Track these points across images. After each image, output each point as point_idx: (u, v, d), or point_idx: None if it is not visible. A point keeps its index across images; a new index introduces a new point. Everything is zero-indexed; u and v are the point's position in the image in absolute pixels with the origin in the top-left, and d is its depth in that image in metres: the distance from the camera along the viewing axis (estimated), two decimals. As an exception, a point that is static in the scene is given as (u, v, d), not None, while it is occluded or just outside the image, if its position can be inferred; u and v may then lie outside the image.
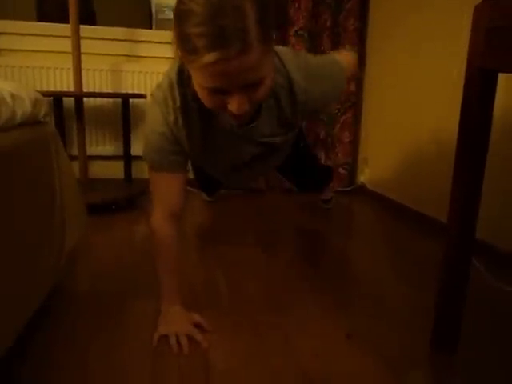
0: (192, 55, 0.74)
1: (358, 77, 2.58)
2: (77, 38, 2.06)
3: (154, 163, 1.02)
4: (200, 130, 1.00)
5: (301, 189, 2.08)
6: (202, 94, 0.82)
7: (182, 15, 0.75)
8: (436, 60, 1.91)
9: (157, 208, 1.06)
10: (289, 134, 1.12)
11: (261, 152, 1.12)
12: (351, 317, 1.13)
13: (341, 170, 2.66)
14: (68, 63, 2.22)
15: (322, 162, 2.66)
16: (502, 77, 0.87)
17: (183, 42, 0.75)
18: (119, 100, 2.36)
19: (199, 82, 0.80)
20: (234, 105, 0.79)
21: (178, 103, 0.96)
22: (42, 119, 1.11)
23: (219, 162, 1.19)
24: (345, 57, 1.25)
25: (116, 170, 2.49)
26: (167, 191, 1.05)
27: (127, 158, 2.39)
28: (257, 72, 0.77)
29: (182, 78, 0.94)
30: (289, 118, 1.05)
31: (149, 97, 2.18)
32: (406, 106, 2.16)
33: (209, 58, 0.71)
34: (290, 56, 1.00)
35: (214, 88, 0.78)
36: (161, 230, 1.05)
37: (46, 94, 1.62)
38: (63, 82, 2.36)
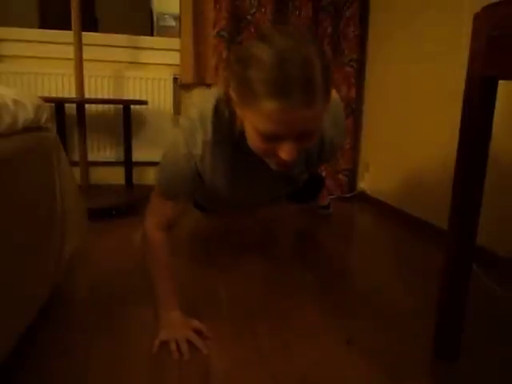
0: (251, 100, 0.75)
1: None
2: (79, 45, 2.07)
3: (166, 193, 1.04)
4: (229, 167, 0.99)
5: (292, 201, 2.00)
6: (252, 138, 0.82)
7: (246, 59, 0.76)
8: (436, 67, 1.92)
9: (151, 218, 1.08)
10: (311, 171, 1.16)
11: (283, 186, 1.14)
12: (351, 323, 1.13)
13: (341, 177, 2.66)
14: (70, 69, 2.23)
15: (322, 168, 2.66)
16: (501, 84, 0.88)
17: (243, 85, 0.76)
18: (120, 106, 2.38)
19: (254, 126, 0.79)
20: (285, 153, 0.79)
21: (210, 137, 0.95)
22: (44, 125, 1.11)
23: (236, 196, 1.18)
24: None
25: (117, 176, 2.50)
26: (167, 212, 1.07)
27: (128, 164, 2.39)
28: (315, 124, 0.78)
29: (219, 111, 0.93)
30: (314, 162, 1.10)
31: (151, 106, 2.17)
32: (407, 112, 2.17)
33: (270, 105, 0.72)
34: None
35: (268, 134, 0.78)
36: (152, 236, 1.07)
37: (47, 100, 1.63)
38: (65, 89, 2.37)
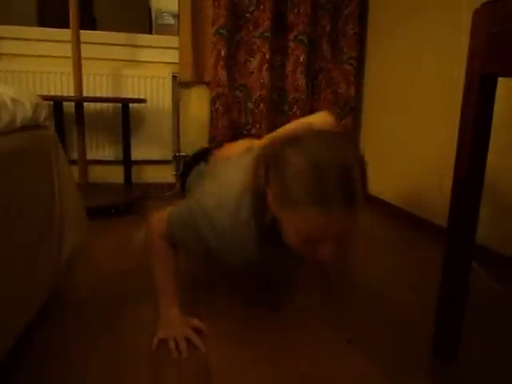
0: (291, 205, 0.75)
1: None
2: (77, 43, 2.06)
3: (174, 239, 1.02)
4: (248, 248, 0.96)
5: None
6: (290, 236, 0.82)
7: (283, 166, 0.76)
8: (436, 64, 1.92)
9: (158, 223, 1.05)
10: None
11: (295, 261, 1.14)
12: (351, 322, 1.13)
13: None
14: (68, 68, 2.22)
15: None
16: (501, 81, 0.88)
17: (281, 190, 0.77)
18: (119, 105, 2.37)
19: (292, 228, 0.79)
20: (324, 254, 0.80)
21: (234, 217, 0.92)
22: (43, 123, 1.11)
23: (246, 269, 1.17)
24: (323, 119, 1.18)
25: (116, 175, 2.50)
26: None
27: (127, 163, 2.39)
28: (354, 226, 0.79)
29: (245, 199, 0.91)
30: None
31: (150, 104, 2.15)
32: (406, 110, 2.17)
33: (313, 213, 0.73)
34: None
35: (308, 238, 0.78)
36: (159, 237, 1.05)
37: (46, 99, 1.62)
38: (63, 87, 2.37)
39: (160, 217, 1.05)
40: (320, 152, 0.74)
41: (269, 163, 0.82)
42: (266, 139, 1.22)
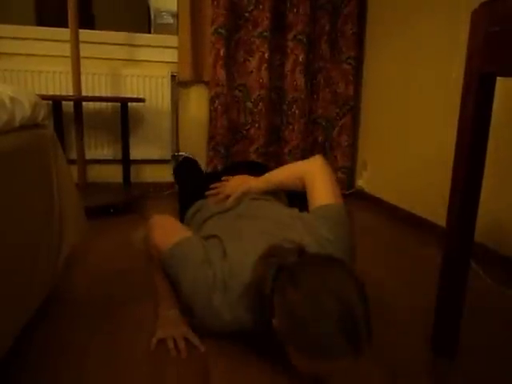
0: (296, 349, 0.74)
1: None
2: (76, 42, 2.06)
3: (166, 271, 1.00)
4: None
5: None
6: (296, 365, 0.79)
7: (289, 314, 0.74)
8: (434, 64, 1.92)
9: (163, 239, 1.03)
10: None
11: None
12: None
13: (339, 174, 2.66)
14: (67, 67, 2.22)
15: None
16: (499, 81, 0.88)
17: (291, 338, 0.75)
18: (118, 104, 2.37)
19: (298, 362, 0.77)
20: (324, 378, 0.82)
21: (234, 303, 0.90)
22: (41, 123, 1.11)
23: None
24: (316, 167, 1.17)
25: (114, 174, 2.49)
26: None
27: (126, 162, 2.39)
28: (358, 362, 0.76)
29: (250, 295, 0.88)
30: None
31: (148, 103, 2.13)
32: (405, 109, 2.17)
33: (320, 362, 0.72)
34: None
35: (308, 371, 0.78)
36: (155, 244, 1.04)
37: (45, 98, 1.62)
38: (62, 86, 2.36)
39: (166, 233, 1.02)
40: (322, 297, 0.71)
41: (273, 287, 0.79)
42: (262, 183, 1.23)
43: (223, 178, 1.30)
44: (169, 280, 1.03)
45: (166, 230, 1.03)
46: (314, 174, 1.14)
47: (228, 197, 1.22)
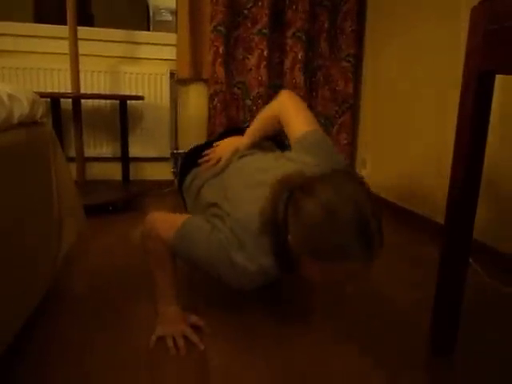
0: (316, 256, 0.78)
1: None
2: (74, 40, 2.05)
3: (177, 254, 1.01)
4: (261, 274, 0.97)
5: None
6: (314, 274, 0.84)
7: (303, 222, 0.78)
8: (434, 62, 1.92)
9: (165, 227, 1.03)
10: None
11: None
12: (349, 318, 1.13)
13: (338, 172, 2.66)
14: (66, 65, 2.21)
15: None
16: (498, 78, 0.88)
17: (304, 243, 0.79)
18: (117, 101, 2.37)
19: (317, 270, 0.81)
20: (342, 279, 0.84)
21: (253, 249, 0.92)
22: (40, 120, 1.11)
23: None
24: (289, 102, 1.19)
25: (113, 172, 2.49)
26: None
27: (125, 160, 2.39)
28: (371, 266, 0.81)
29: (266, 245, 0.91)
30: None
31: (147, 101, 2.13)
32: (404, 107, 2.17)
33: (337, 265, 0.76)
34: None
35: (325, 276, 0.82)
36: (163, 238, 1.03)
37: (43, 96, 1.62)
38: (61, 84, 2.36)
39: (167, 223, 1.03)
40: (336, 203, 0.75)
41: (287, 206, 0.83)
42: (246, 138, 1.26)
43: (214, 144, 1.33)
44: (187, 262, 1.05)
45: (168, 221, 1.04)
46: (285, 110, 1.17)
47: (219, 161, 1.25)
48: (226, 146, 1.29)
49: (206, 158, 1.30)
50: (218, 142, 1.34)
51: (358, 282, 0.87)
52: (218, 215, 1.01)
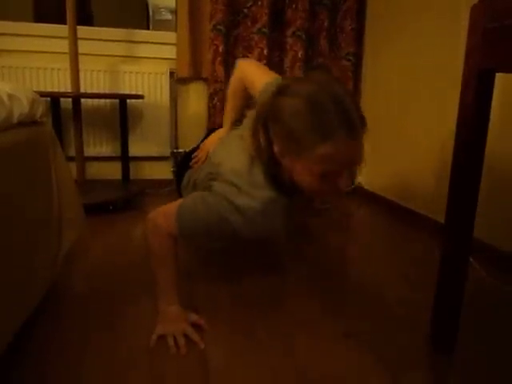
0: (302, 150, 0.81)
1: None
2: (74, 39, 2.05)
3: (184, 231, 1.01)
4: (276, 211, 0.99)
5: None
6: (308, 180, 0.86)
7: (282, 117, 0.82)
8: (434, 60, 1.91)
9: (164, 219, 1.04)
10: None
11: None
12: (349, 317, 1.13)
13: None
14: (65, 64, 2.21)
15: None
16: (498, 77, 0.88)
17: (289, 140, 0.83)
18: (117, 101, 2.36)
19: (309, 171, 0.84)
20: (341, 184, 0.85)
21: (262, 188, 0.95)
22: (40, 119, 1.11)
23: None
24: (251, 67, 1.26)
25: (113, 171, 2.49)
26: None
27: (125, 159, 2.39)
28: (360, 152, 0.85)
29: (255, 166, 0.95)
30: None
31: (147, 100, 2.14)
32: (404, 106, 2.17)
33: (321, 149, 0.78)
34: None
35: (324, 173, 0.83)
36: (165, 231, 1.03)
37: (43, 95, 1.62)
38: (60, 83, 2.35)
39: (165, 212, 1.04)
40: (311, 90, 0.80)
41: (266, 120, 0.87)
42: (224, 123, 1.31)
43: (200, 145, 1.35)
44: (197, 240, 1.09)
45: (166, 211, 1.05)
46: (246, 73, 1.22)
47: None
48: (209, 142, 1.32)
49: (195, 160, 1.32)
50: (203, 142, 1.36)
51: (354, 176, 0.90)
52: (212, 179, 1.05)
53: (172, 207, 1.03)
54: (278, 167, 0.91)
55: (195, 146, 1.41)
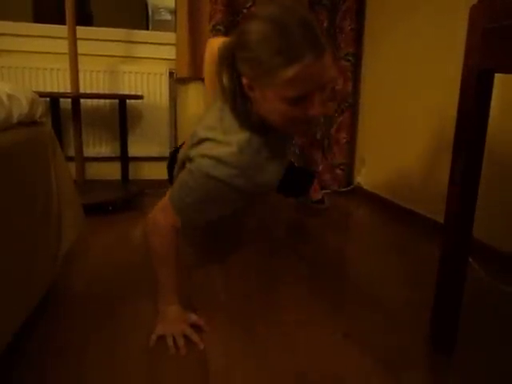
0: (270, 75, 0.79)
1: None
2: (73, 39, 2.05)
3: (185, 212, 1.01)
4: (260, 155, 0.98)
5: (283, 193, 2.01)
6: (280, 109, 0.85)
7: (247, 42, 0.81)
8: (433, 60, 1.92)
9: (162, 213, 1.05)
10: None
11: (282, 164, 1.14)
12: (349, 317, 1.14)
13: (338, 171, 2.66)
14: (65, 64, 2.21)
15: (319, 162, 2.66)
16: (497, 77, 0.88)
17: (256, 66, 0.81)
18: (116, 101, 2.36)
19: (280, 97, 0.82)
20: (317, 107, 0.84)
21: (236, 133, 0.94)
22: (39, 120, 1.11)
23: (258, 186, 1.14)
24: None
25: (113, 171, 2.49)
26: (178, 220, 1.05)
27: (124, 159, 2.38)
28: (330, 72, 0.83)
29: (226, 109, 0.95)
30: None
31: (147, 100, 2.13)
32: (403, 106, 2.17)
33: (289, 72, 0.77)
34: None
35: (296, 97, 0.81)
36: (163, 228, 1.04)
37: (42, 95, 1.62)
38: (60, 83, 2.35)
39: (161, 207, 1.05)
40: (277, 13, 0.79)
41: (233, 51, 0.86)
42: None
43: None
44: (201, 216, 1.04)
45: (161, 205, 1.06)
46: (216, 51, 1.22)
47: None
48: None
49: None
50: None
51: (336, 98, 0.88)
52: (190, 149, 1.03)
53: (165, 199, 1.04)
54: (247, 104, 0.90)
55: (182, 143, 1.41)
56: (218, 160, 0.92)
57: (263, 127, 0.93)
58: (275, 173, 1.03)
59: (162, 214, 1.03)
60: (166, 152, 2.57)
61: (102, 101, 2.43)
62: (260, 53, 0.79)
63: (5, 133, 0.87)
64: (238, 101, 0.91)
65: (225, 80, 0.90)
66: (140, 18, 3.45)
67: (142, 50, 2.49)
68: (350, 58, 2.55)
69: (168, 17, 3.35)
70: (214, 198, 0.98)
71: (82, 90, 2.29)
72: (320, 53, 0.78)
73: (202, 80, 2.55)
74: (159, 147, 2.56)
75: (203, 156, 0.94)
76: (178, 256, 1.05)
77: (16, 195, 0.86)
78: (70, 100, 2.21)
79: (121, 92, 2.45)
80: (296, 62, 0.76)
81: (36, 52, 2.34)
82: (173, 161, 1.40)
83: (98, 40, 2.41)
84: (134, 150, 2.48)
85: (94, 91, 2.41)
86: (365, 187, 2.59)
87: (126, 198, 2.10)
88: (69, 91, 2.21)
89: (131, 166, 2.48)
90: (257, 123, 0.92)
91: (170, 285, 1.05)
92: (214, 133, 0.96)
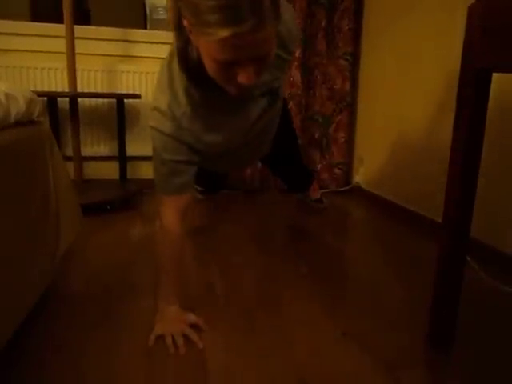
0: (205, 29, 0.73)
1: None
2: (71, 38, 2.05)
3: (164, 191, 1.07)
4: (206, 110, 1.01)
5: (288, 186, 2.15)
6: (210, 66, 0.81)
7: None
8: (430, 60, 1.92)
9: (165, 212, 1.06)
10: (280, 78, 1.13)
11: (261, 113, 1.13)
12: (348, 316, 1.14)
13: (336, 170, 2.66)
14: (62, 63, 2.21)
15: (317, 162, 2.67)
16: (495, 76, 0.88)
17: (195, 15, 0.74)
18: (114, 100, 2.36)
19: (209, 55, 0.78)
20: (244, 78, 0.80)
21: (183, 92, 0.96)
22: (37, 119, 1.10)
23: (224, 142, 1.14)
24: None
25: (111, 171, 2.49)
26: (177, 204, 1.08)
27: (122, 159, 2.38)
28: (269, 45, 0.78)
29: (183, 62, 0.92)
30: (281, 56, 1.05)
31: (144, 100, 2.12)
32: (402, 105, 2.17)
33: (223, 33, 0.71)
34: None
35: (225, 61, 0.77)
36: (173, 230, 1.05)
37: (40, 94, 1.61)
38: (58, 83, 2.35)
39: (160, 206, 1.07)
40: None
41: (179, 13, 0.82)
42: None
43: None
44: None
45: (160, 204, 1.09)
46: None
47: None
48: None
49: None
50: None
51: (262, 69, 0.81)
52: None
53: (158, 198, 1.08)
54: (188, 47, 0.87)
55: None
56: (158, 111, 0.98)
57: (202, 76, 0.88)
58: (234, 137, 1.03)
59: (162, 211, 1.06)
60: (164, 151, 2.56)
61: (99, 100, 2.42)
62: (202, 3, 0.72)
63: (2, 132, 0.87)
64: (180, 39, 0.87)
65: (172, 15, 0.86)
66: (138, 16, 3.44)
67: (139, 49, 2.49)
68: (348, 58, 2.55)
69: (166, 16, 3.33)
70: (181, 159, 1.05)
71: (79, 90, 2.28)
72: (261, 23, 0.71)
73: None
74: (157, 146, 2.55)
75: (151, 111, 1.00)
76: (182, 259, 1.06)
77: (14, 194, 0.86)
78: (67, 99, 2.20)
79: (119, 91, 2.45)
80: (233, 25, 0.70)
81: (34, 51, 2.33)
82: None
83: (95, 39, 2.40)
84: (132, 150, 2.47)
85: (92, 90, 2.40)
86: (363, 186, 2.59)
87: (124, 198, 2.10)
88: (66, 90, 2.20)
89: (129, 165, 2.47)
90: (195, 69, 0.89)
91: (171, 285, 1.05)
92: (162, 96, 0.98)
